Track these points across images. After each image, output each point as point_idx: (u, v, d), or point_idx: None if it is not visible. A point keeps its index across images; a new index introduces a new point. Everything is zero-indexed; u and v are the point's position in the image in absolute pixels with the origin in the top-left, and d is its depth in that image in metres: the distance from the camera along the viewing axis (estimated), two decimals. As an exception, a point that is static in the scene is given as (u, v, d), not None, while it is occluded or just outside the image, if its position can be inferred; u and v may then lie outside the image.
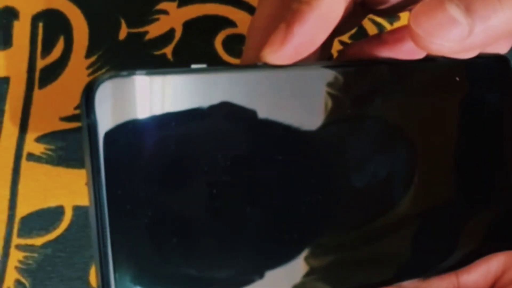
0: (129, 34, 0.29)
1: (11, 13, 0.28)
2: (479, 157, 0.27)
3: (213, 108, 0.21)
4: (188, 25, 0.30)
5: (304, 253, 0.23)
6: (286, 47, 0.22)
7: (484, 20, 0.21)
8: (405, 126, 0.25)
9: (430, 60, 0.25)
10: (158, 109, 0.20)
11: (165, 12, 0.29)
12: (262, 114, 0.22)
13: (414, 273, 0.25)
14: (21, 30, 0.28)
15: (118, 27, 0.29)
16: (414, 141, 0.25)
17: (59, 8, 0.29)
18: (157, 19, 0.29)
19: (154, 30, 0.29)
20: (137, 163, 0.20)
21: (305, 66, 0.23)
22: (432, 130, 0.26)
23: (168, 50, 0.29)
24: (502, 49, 0.27)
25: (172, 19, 0.29)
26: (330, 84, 0.23)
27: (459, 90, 0.26)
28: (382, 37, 0.25)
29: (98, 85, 0.19)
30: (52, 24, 0.29)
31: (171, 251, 0.21)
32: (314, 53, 0.23)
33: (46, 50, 0.29)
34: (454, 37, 0.22)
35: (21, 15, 0.28)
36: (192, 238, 0.22)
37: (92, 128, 0.19)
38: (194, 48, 0.29)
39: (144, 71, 0.20)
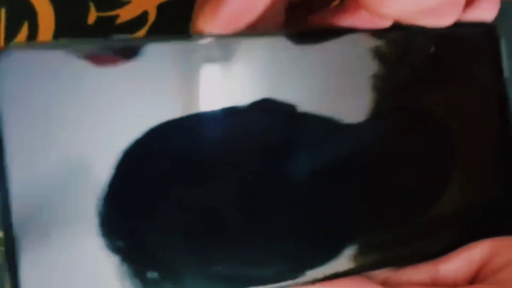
0: (98, 18, 0.27)
1: (-30, -1, 0.27)
2: (460, 137, 0.25)
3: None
4: (162, 8, 0.28)
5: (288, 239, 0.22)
6: (221, 13, 0.20)
7: None
8: (373, 103, 0.23)
9: (398, 29, 0.23)
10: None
11: (136, -7, 0.28)
12: (196, 84, 0.20)
13: (384, 262, 0.24)
14: (-18, 16, 0.27)
15: (87, 10, 0.27)
16: (386, 120, 0.23)
17: (22, -8, 0.27)
18: (129, 2, 0.27)
19: (125, 13, 0.27)
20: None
21: (241, 35, 0.21)
22: (406, 109, 0.24)
23: (140, 35, 0.27)
24: (486, 16, 0.25)
25: (144, 2, 0.28)
26: (275, 55, 0.21)
27: (435, 62, 0.24)
28: (344, 4, 0.23)
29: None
30: (14, 10, 0.27)
31: None
32: (275, 22, 0.22)
33: (9, 38, 0.27)
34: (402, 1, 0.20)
35: (-19, 0, 0.27)
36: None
37: None
38: (169, 33, 0.28)
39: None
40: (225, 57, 0.21)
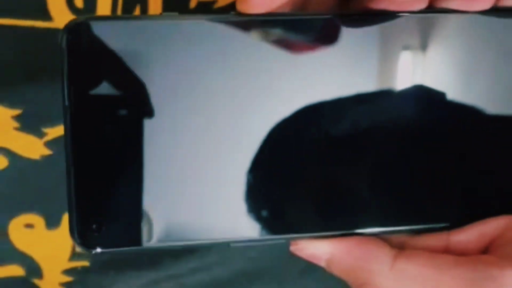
0: (199, 3, 0.32)
1: (95, -12, 0.32)
2: (490, 119, 0.26)
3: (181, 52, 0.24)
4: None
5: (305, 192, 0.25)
6: None
7: None
8: (410, 82, 0.26)
9: (437, 11, 0.25)
10: (129, 49, 0.23)
11: (232, -15, 0.33)
12: (236, 60, 0.24)
13: (405, 225, 0.26)
14: (104, 1, 0.32)
15: (190, -3, 0.32)
16: (422, 97, 0.26)
17: (137, -20, 0.32)
18: (224, -9, 0.32)
19: (221, 0, 0.32)
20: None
21: (271, 15, 0.24)
22: (446, 90, 0.26)
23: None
24: None
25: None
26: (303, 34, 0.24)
27: (477, 44, 0.26)
28: None
29: (71, 26, 0.23)
30: (130, -5, 0.32)
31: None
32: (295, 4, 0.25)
33: (125, 18, 0.32)
34: None
35: (104, -12, 0.32)
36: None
37: (65, 68, 0.23)
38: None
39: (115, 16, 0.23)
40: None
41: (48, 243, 0.32)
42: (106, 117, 0.23)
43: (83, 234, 0.23)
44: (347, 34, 0.25)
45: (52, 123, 0.31)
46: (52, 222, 0.32)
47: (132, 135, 0.23)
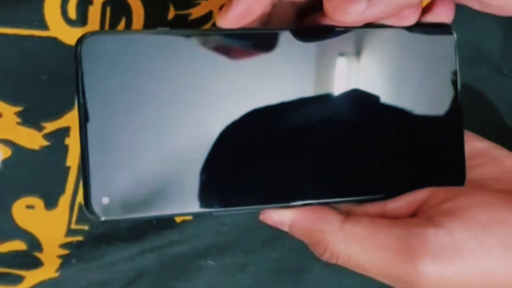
0: (176, 15, 0.37)
1: (87, 0, 0.37)
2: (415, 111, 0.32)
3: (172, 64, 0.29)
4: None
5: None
6: (228, 15, 0.30)
7: None
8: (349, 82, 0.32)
9: (369, 26, 0.31)
10: (130, 59, 0.29)
11: (205, -2, 0.38)
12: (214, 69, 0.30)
13: (350, 196, 0.32)
14: (94, 13, 0.37)
15: (167, 10, 0.37)
16: (357, 97, 0.32)
17: (123, -4, 0.37)
18: (199, 4, 0.37)
19: (196, 12, 0.37)
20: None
21: (244, 30, 0.30)
22: (377, 91, 0.32)
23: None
24: (444, 20, 0.33)
25: (211, 4, 0.37)
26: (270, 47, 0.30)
27: (400, 54, 0.32)
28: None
29: (84, 39, 0.28)
30: (117, 9, 0.37)
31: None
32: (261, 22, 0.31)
33: (112, 28, 0.37)
34: (353, 11, 0.29)
35: (94, 1, 0.37)
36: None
37: (79, 71, 0.28)
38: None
39: (117, 31, 0.30)
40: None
41: (47, 221, 0.36)
42: (111, 108, 0.28)
43: (92, 205, 0.28)
44: (299, 45, 0.31)
45: (50, 118, 0.36)
46: (50, 204, 0.36)
47: (135, 120, 0.29)
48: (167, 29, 0.29)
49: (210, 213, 0.30)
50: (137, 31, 0.33)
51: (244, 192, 0.30)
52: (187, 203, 0.29)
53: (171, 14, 0.37)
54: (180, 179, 0.29)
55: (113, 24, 0.37)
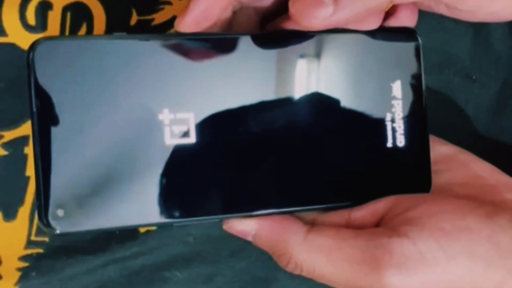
0: (138, 21, 0.37)
1: (46, 5, 0.36)
2: (378, 110, 0.32)
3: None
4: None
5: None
6: (185, 18, 0.29)
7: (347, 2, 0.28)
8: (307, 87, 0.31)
9: (331, 31, 0.31)
10: (84, 64, 0.28)
11: (169, 3, 0.37)
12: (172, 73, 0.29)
13: (314, 205, 0.31)
14: (54, 18, 0.36)
15: (130, 15, 0.36)
16: (317, 102, 0.31)
17: (84, 1, 0.36)
18: (162, 9, 0.37)
19: (159, 17, 0.37)
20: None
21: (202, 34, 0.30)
22: (331, 93, 0.31)
23: (170, 33, 0.37)
24: (408, 24, 0.33)
25: (174, 9, 0.37)
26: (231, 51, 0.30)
27: (362, 58, 0.31)
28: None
29: (36, 45, 0.27)
30: (77, 14, 0.36)
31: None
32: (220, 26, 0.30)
33: (73, 34, 0.36)
34: (320, 15, 0.29)
35: (54, 7, 0.36)
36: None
37: (31, 78, 0.27)
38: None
39: (71, 36, 0.29)
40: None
41: (6, 233, 0.35)
42: (66, 115, 0.27)
43: (47, 218, 0.27)
44: (259, 50, 0.30)
45: (8, 127, 0.35)
46: (9, 215, 0.35)
47: (89, 127, 0.28)
48: (124, 34, 0.28)
49: (171, 223, 0.29)
50: (92, 36, 0.32)
51: (206, 202, 0.30)
52: (146, 214, 0.28)
53: (134, 19, 0.37)
54: (139, 189, 0.28)
55: (74, 29, 0.36)
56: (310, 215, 0.32)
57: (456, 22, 0.36)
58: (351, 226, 0.31)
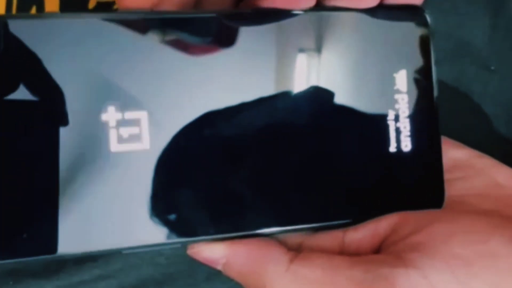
0: (98, 4, 0.31)
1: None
2: (378, 114, 0.26)
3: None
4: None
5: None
6: None
7: None
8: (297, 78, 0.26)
9: (324, 9, 0.26)
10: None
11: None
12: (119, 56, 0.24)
13: (302, 224, 0.26)
14: (-3, 1, 0.31)
15: (88, -4, 0.31)
16: (315, 98, 0.26)
17: (33, -20, 0.31)
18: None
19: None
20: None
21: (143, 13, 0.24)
22: (338, 88, 0.26)
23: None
24: (414, 1, 0.27)
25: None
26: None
27: (359, 45, 0.26)
28: None
29: None
30: (26, -5, 0.31)
31: None
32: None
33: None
34: None
35: (-2, -13, 0.31)
36: None
37: None
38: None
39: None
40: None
41: None
42: (19, 123, 0.22)
43: None
44: (240, 33, 0.25)
45: None
46: None
47: (43, 142, 0.22)
48: (57, 12, 0.23)
49: (118, 251, 0.24)
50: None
51: (164, 223, 0.24)
52: (84, 239, 0.23)
53: (93, 2, 0.31)
54: (75, 208, 0.23)
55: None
56: (295, 238, 0.26)
57: (471, 3, 0.31)
58: (345, 252, 0.26)
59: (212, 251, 0.25)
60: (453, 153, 0.29)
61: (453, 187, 0.28)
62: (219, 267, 0.25)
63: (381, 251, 0.25)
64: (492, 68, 0.34)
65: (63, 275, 0.31)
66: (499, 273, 0.23)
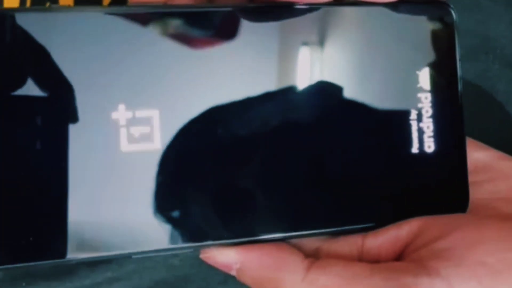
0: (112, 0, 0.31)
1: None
2: (399, 115, 0.25)
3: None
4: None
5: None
6: None
7: None
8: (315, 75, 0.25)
9: (344, 4, 0.25)
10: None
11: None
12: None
13: (315, 230, 0.25)
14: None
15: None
16: (324, 93, 0.25)
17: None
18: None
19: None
20: None
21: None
22: (347, 83, 0.25)
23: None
24: None
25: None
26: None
27: (380, 41, 0.25)
28: None
29: None
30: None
31: None
32: None
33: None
34: None
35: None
36: None
37: None
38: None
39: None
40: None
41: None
42: (24, 120, 0.21)
43: None
44: (248, 27, 0.24)
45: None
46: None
47: (51, 141, 0.22)
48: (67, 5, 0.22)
49: (128, 255, 0.23)
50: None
51: (176, 227, 0.23)
52: (90, 245, 0.22)
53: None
54: (81, 211, 0.22)
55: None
56: (312, 243, 0.25)
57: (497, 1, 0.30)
58: (365, 259, 0.25)
59: (225, 256, 0.24)
60: (477, 155, 0.28)
61: (478, 191, 0.27)
62: (233, 273, 0.25)
63: (403, 258, 0.24)
64: (516, 66, 0.33)
65: (75, 278, 0.30)
66: None
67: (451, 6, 0.26)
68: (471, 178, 0.27)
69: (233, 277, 0.31)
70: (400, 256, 0.24)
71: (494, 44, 0.33)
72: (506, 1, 0.33)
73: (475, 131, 0.28)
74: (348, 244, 0.25)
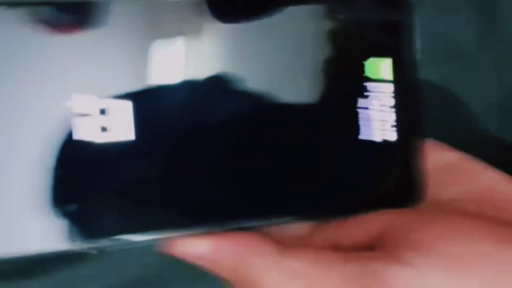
0: None
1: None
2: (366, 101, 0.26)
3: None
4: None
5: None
6: None
7: None
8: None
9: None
10: None
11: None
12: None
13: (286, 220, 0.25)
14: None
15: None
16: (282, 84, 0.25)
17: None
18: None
19: None
20: None
21: None
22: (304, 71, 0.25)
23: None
24: None
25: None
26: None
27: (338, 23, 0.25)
28: None
29: None
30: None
31: None
32: None
33: None
34: None
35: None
36: None
37: None
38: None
39: None
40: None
41: None
42: None
43: None
44: (116, 18, 0.23)
45: None
46: None
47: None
48: None
49: (89, 251, 0.23)
50: None
51: (138, 217, 0.23)
52: (52, 238, 0.22)
53: None
54: (36, 203, 0.22)
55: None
56: (286, 231, 0.26)
57: (462, 4, 0.31)
58: (340, 248, 0.25)
59: (196, 247, 0.24)
60: (442, 156, 0.28)
61: (442, 191, 0.28)
62: (205, 264, 0.25)
63: (376, 248, 0.25)
64: (481, 70, 0.34)
65: (52, 276, 0.31)
66: (495, 273, 0.23)
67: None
68: (435, 178, 0.28)
69: (204, 274, 0.32)
70: (372, 248, 0.25)
71: (460, 48, 0.34)
72: (473, 7, 0.34)
73: (441, 133, 0.29)
74: (322, 236, 0.26)
